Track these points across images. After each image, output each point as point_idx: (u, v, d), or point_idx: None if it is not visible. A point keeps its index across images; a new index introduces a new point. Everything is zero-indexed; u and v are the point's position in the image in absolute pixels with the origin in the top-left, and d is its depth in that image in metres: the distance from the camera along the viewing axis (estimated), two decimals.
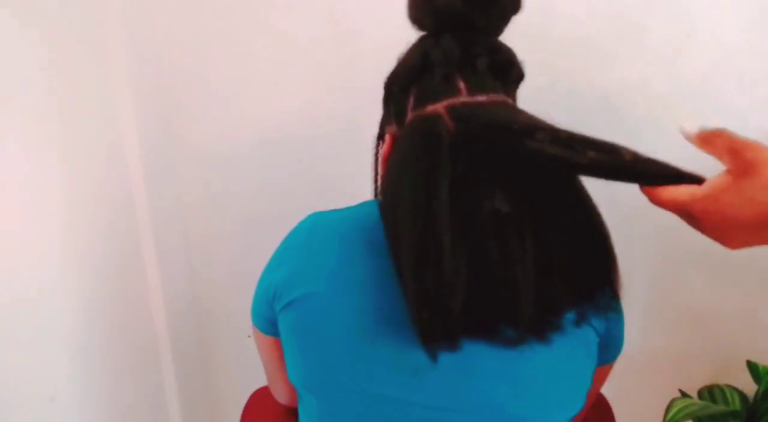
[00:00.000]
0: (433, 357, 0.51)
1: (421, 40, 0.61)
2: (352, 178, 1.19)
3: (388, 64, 0.63)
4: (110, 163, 1.07)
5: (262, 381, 0.97)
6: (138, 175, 1.13)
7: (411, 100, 0.58)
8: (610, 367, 0.69)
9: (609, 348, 0.63)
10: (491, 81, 0.57)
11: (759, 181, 0.45)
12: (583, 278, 0.53)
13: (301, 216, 0.68)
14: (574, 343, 0.57)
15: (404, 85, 0.60)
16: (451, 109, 0.54)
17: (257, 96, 1.14)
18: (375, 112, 0.68)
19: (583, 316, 0.55)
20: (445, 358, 0.54)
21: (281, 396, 0.81)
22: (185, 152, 1.19)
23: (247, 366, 1.28)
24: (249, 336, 1.32)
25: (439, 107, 0.55)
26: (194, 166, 1.20)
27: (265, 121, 1.16)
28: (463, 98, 0.55)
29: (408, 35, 0.62)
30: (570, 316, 0.55)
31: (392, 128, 0.62)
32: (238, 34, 1.10)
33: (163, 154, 1.18)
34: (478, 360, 0.55)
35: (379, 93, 0.65)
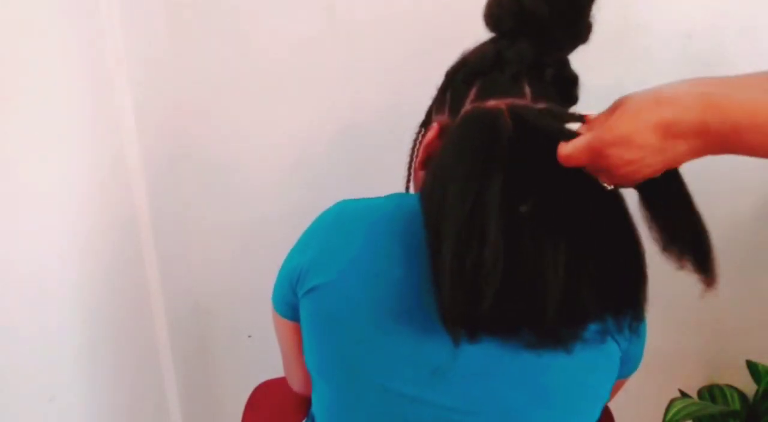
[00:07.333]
0: (456, 341, 0.51)
1: (494, 39, 0.61)
2: (353, 179, 1.19)
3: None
4: (112, 164, 1.07)
5: (262, 381, 0.97)
6: (139, 176, 1.13)
7: (472, 93, 0.59)
8: (625, 381, 0.69)
9: (628, 363, 0.63)
10: (554, 93, 0.58)
11: (626, 108, 0.47)
12: (612, 294, 0.53)
13: (300, 216, 0.68)
14: (596, 356, 0.57)
15: (469, 77, 0.60)
16: (512, 108, 0.54)
17: (257, 96, 1.14)
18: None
19: (606, 331, 0.55)
20: (465, 360, 0.54)
21: (296, 383, 0.79)
22: (186, 155, 1.19)
23: (247, 366, 1.28)
24: (249, 336, 1.32)
25: (501, 103, 0.55)
26: (195, 167, 1.20)
27: (264, 121, 1.16)
28: (525, 102, 0.56)
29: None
30: (593, 328, 0.55)
31: (443, 117, 0.62)
32: (239, 34, 1.10)
33: (164, 156, 1.18)
34: (498, 365, 0.55)
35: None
